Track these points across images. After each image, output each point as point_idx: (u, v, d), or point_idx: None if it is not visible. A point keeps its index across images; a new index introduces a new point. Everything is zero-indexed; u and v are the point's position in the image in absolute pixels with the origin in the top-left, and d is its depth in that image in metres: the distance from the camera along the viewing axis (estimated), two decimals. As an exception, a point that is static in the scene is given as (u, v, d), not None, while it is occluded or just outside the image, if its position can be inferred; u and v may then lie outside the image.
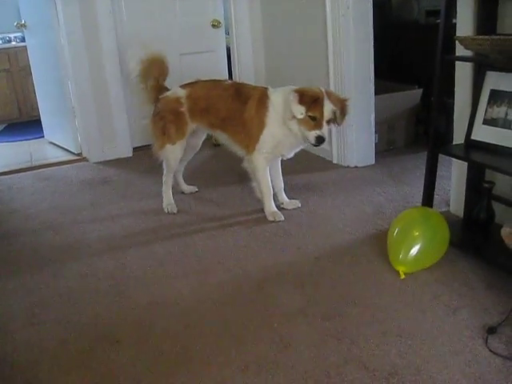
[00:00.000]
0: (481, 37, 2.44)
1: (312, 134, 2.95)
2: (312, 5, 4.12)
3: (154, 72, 3.38)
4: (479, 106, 2.65)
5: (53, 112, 5.34)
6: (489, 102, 2.61)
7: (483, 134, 2.62)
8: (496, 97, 2.57)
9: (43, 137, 5.79)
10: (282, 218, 3.23)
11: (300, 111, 2.94)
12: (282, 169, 3.43)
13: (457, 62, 2.90)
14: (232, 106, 3.21)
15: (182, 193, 3.78)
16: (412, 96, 4.53)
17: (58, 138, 5.45)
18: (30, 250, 3.10)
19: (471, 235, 2.83)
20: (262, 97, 3.15)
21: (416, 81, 4.60)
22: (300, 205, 3.43)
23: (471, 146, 2.68)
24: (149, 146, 3.60)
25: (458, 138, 2.91)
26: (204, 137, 3.60)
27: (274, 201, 3.32)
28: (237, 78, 5.20)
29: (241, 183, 3.80)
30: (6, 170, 4.74)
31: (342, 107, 3.00)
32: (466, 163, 2.88)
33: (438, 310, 2.25)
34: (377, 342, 2.06)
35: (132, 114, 4.82)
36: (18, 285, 2.70)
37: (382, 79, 4.35)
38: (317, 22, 4.09)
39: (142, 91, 3.44)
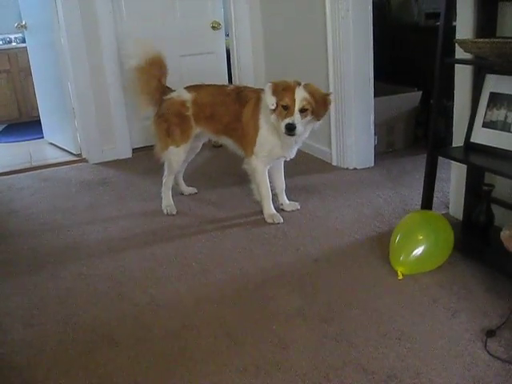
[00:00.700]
0: (480, 40, 2.44)
1: (283, 123, 2.92)
2: (312, 7, 4.13)
3: (156, 73, 3.36)
4: (479, 109, 2.65)
5: (52, 113, 5.35)
6: (488, 105, 2.61)
7: (483, 136, 2.62)
8: (495, 100, 2.58)
9: (43, 137, 5.79)
10: (281, 220, 3.23)
11: (271, 102, 2.94)
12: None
13: (456, 65, 2.90)
14: (233, 110, 3.22)
15: (182, 194, 3.78)
16: (411, 98, 4.53)
17: (57, 139, 5.45)
18: (29, 250, 3.10)
19: (470, 238, 2.83)
20: (258, 100, 3.15)
21: (415, 83, 4.60)
22: (299, 207, 3.43)
23: (471, 148, 2.68)
24: (148, 147, 3.61)
25: (458, 140, 2.91)
26: (204, 139, 3.60)
27: (274, 202, 3.33)
28: (236, 80, 5.20)
29: (240, 185, 3.80)
30: (5, 170, 4.74)
31: (322, 101, 2.96)
32: (465, 166, 2.88)
33: (438, 312, 2.25)
34: (376, 344, 2.06)
35: (131, 115, 4.82)
36: (16, 285, 2.70)
37: (382, 81, 4.35)
38: (317, 25, 4.09)
39: (140, 94, 3.39)
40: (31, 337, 2.26)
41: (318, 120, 3.02)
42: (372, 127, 4.10)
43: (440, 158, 2.83)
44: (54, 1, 4.49)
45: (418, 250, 2.51)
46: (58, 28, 4.56)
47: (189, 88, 3.38)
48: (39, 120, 5.77)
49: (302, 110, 2.91)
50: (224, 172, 4.25)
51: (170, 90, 3.41)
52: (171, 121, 3.32)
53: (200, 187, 3.88)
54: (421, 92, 4.52)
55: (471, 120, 2.69)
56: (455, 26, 2.82)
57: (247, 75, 5.15)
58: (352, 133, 4.03)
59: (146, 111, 3.43)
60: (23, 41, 6.18)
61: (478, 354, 1.98)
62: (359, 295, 2.42)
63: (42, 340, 2.23)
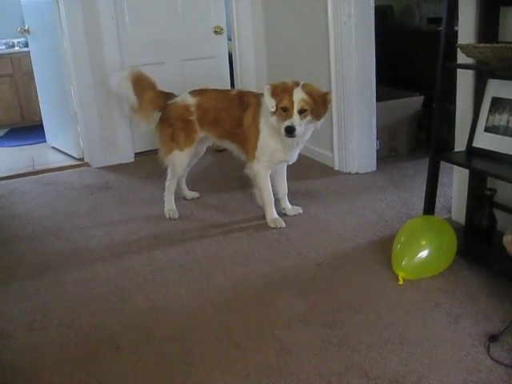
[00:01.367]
0: (482, 45, 2.45)
1: (283, 125, 2.91)
2: (314, 12, 4.14)
3: (145, 84, 3.39)
4: (481, 114, 2.66)
5: (55, 117, 5.36)
6: (490, 110, 2.61)
7: (485, 141, 2.62)
8: (497, 104, 2.58)
9: (45, 142, 5.80)
10: (284, 225, 3.23)
11: (271, 104, 2.95)
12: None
13: (458, 70, 2.90)
14: (235, 115, 3.23)
15: (184, 198, 3.79)
16: (413, 103, 4.53)
17: (60, 143, 5.46)
18: (31, 255, 3.10)
19: (473, 243, 2.82)
20: (258, 104, 3.16)
21: (417, 88, 4.60)
22: (302, 211, 3.43)
23: (473, 153, 2.68)
24: (151, 151, 3.61)
25: (460, 145, 2.91)
26: (208, 143, 3.60)
27: (276, 206, 3.33)
28: (239, 84, 5.21)
29: (242, 189, 3.80)
30: (8, 174, 4.74)
31: (322, 100, 2.94)
32: (467, 170, 2.88)
33: (440, 317, 2.25)
34: (378, 349, 2.06)
35: (130, 113, 4.80)
36: (19, 290, 2.70)
37: (384, 86, 4.35)
38: (319, 29, 4.10)
39: (142, 108, 3.41)
40: (34, 341, 2.26)
41: (319, 120, 3.00)
42: (374, 132, 4.11)
43: (442, 163, 2.83)
44: (56, 5, 4.51)
45: (421, 255, 2.51)
46: (61, 32, 4.58)
47: (193, 92, 3.39)
48: (42, 124, 5.78)
49: (301, 111, 2.90)
50: (226, 176, 4.25)
51: (168, 95, 3.42)
52: (175, 125, 3.33)
53: (202, 191, 3.88)
54: (423, 96, 4.52)
55: (473, 125, 2.69)
56: (457, 31, 2.82)
57: (249, 79, 5.16)
58: (354, 137, 4.03)
59: (149, 124, 3.44)
60: (26, 45, 6.19)
61: (480, 359, 1.97)
62: (362, 300, 2.42)
63: (44, 344, 2.23)
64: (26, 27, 5.27)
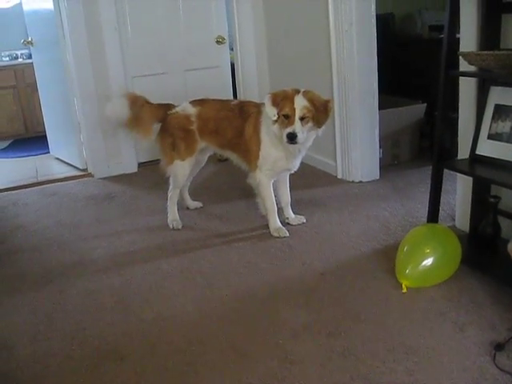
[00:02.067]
0: (484, 52, 2.45)
1: (284, 132, 2.92)
2: (315, 21, 4.15)
3: (139, 102, 3.39)
4: (484, 121, 2.65)
5: (58, 128, 5.38)
6: (493, 117, 2.61)
7: (488, 148, 2.62)
8: (500, 112, 2.58)
9: (49, 152, 5.82)
10: (287, 234, 3.23)
11: (273, 112, 2.95)
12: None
13: (461, 77, 2.90)
14: (236, 125, 3.24)
15: (187, 208, 3.78)
16: (416, 111, 4.53)
17: (63, 154, 5.47)
18: (35, 265, 3.10)
19: (477, 250, 2.81)
20: (258, 114, 3.16)
21: (420, 95, 4.60)
22: (305, 220, 3.42)
23: (476, 160, 2.68)
24: (154, 161, 3.61)
25: (463, 152, 2.91)
26: (209, 153, 3.61)
27: (280, 216, 3.32)
28: (241, 93, 5.22)
29: (245, 199, 3.79)
30: (11, 185, 4.75)
31: (323, 107, 2.94)
32: (471, 178, 2.87)
33: (445, 326, 2.24)
34: (383, 359, 2.05)
35: (136, 133, 4.82)
36: (22, 301, 2.70)
37: (386, 94, 4.36)
38: (320, 38, 4.11)
39: (136, 128, 3.42)
40: (38, 352, 2.25)
41: (320, 127, 3.00)
42: (377, 140, 4.10)
43: (446, 170, 2.83)
44: (59, 17, 4.54)
45: (425, 263, 2.50)
46: (64, 44, 4.61)
47: (193, 102, 3.40)
48: (45, 135, 5.79)
49: (303, 118, 2.90)
50: (229, 186, 4.25)
51: (166, 106, 3.43)
52: (176, 135, 3.34)
53: (205, 201, 3.88)
54: (425, 104, 4.52)
55: (476, 132, 2.69)
56: (459, 39, 2.83)
57: (252, 89, 5.17)
58: (357, 146, 4.03)
59: (150, 138, 3.44)
60: (29, 57, 6.22)
61: (486, 368, 1.96)
62: (366, 309, 2.40)
63: (48, 355, 2.23)
64: (30, 39, 5.30)
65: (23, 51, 6.70)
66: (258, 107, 3.19)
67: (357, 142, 4.02)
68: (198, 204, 3.84)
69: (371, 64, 3.92)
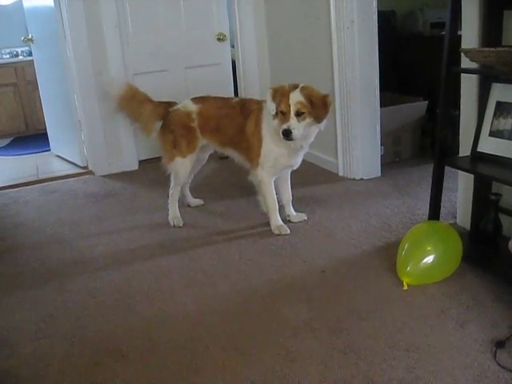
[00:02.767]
0: (486, 49, 2.44)
1: (280, 129, 2.91)
2: (317, 18, 4.14)
3: (141, 98, 3.42)
4: (485, 118, 2.65)
5: (59, 125, 5.37)
6: (495, 114, 2.60)
7: (489, 146, 2.61)
8: (502, 109, 2.57)
9: (49, 150, 5.82)
10: (288, 232, 3.22)
11: (272, 107, 2.97)
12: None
13: (462, 74, 2.90)
14: (237, 123, 3.24)
15: (188, 206, 3.78)
16: (417, 108, 4.52)
17: (64, 152, 5.47)
18: (35, 263, 3.10)
19: (478, 248, 2.81)
20: (259, 111, 3.16)
21: (421, 93, 4.60)
22: (306, 218, 3.42)
23: (477, 158, 2.67)
24: (155, 159, 3.61)
25: (464, 150, 2.90)
26: (210, 150, 3.61)
27: (281, 213, 3.32)
28: (242, 90, 5.22)
29: (247, 196, 3.79)
30: (12, 183, 4.75)
31: (321, 102, 2.92)
32: (472, 175, 2.87)
33: (446, 323, 2.23)
34: (384, 356, 2.05)
35: (138, 127, 4.83)
36: (23, 299, 2.70)
37: (388, 91, 4.35)
38: (322, 35, 4.10)
39: (139, 123, 3.48)
40: (38, 350, 2.25)
41: (319, 122, 2.98)
42: (378, 137, 4.10)
43: (447, 167, 2.82)
44: (60, 15, 4.53)
45: (426, 261, 2.50)
46: (65, 41, 4.60)
47: (195, 99, 3.40)
48: (46, 133, 5.79)
49: (299, 114, 2.89)
50: (230, 183, 4.25)
51: (167, 103, 3.43)
52: (177, 132, 3.33)
53: (206, 199, 3.88)
54: (427, 101, 4.51)
55: (478, 129, 2.68)
56: (461, 36, 2.82)
57: (253, 86, 5.16)
58: (358, 143, 4.03)
59: (152, 135, 3.47)
60: (30, 54, 6.22)
61: (487, 365, 1.96)
62: (367, 307, 2.40)
63: (49, 353, 2.23)
64: (30, 36, 5.29)
65: (23, 48, 6.70)
66: (259, 104, 3.19)
67: (358, 139, 4.01)
68: (199, 201, 3.83)
69: (372, 61, 3.91)
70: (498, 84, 2.60)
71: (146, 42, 4.80)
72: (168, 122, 3.37)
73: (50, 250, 3.27)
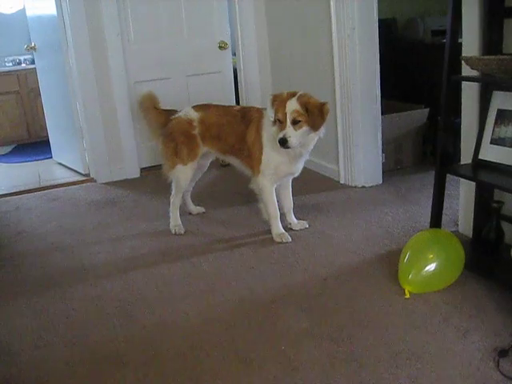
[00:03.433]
0: (487, 57, 2.45)
1: (277, 137, 2.92)
2: (318, 26, 4.15)
3: (149, 103, 3.47)
4: (486, 126, 2.65)
5: (61, 133, 5.39)
6: (496, 122, 2.60)
7: (491, 153, 2.61)
8: (503, 116, 2.57)
9: (51, 157, 5.83)
10: (289, 240, 3.22)
11: (271, 114, 2.99)
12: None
13: (463, 82, 2.90)
14: (239, 131, 3.25)
15: (190, 213, 3.78)
16: (419, 115, 4.53)
17: (66, 159, 5.48)
18: (37, 271, 3.10)
19: (480, 256, 2.80)
20: (260, 118, 3.17)
21: (423, 100, 4.60)
22: (308, 225, 3.41)
23: (479, 165, 2.67)
24: (156, 166, 3.62)
25: (466, 157, 2.90)
26: (212, 158, 3.61)
27: (282, 221, 3.31)
28: (243, 98, 5.22)
29: (248, 204, 3.79)
30: (14, 190, 4.76)
31: (318, 111, 2.92)
32: (474, 183, 2.86)
33: (448, 332, 2.22)
34: (386, 365, 2.04)
35: (139, 135, 4.84)
36: (24, 306, 2.69)
37: (389, 99, 4.35)
38: (323, 43, 4.11)
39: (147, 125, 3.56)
40: (39, 358, 2.25)
41: (316, 130, 2.98)
42: (380, 145, 4.10)
43: (449, 175, 2.82)
44: (62, 23, 4.56)
45: (428, 269, 2.49)
46: (67, 49, 4.62)
47: (196, 107, 3.41)
48: (48, 140, 5.81)
49: (295, 122, 2.90)
50: (232, 191, 4.25)
51: (169, 111, 3.45)
52: (178, 139, 3.34)
53: (208, 206, 3.87)
54: (428, 109, 4.52)
55: (479, 137, 2.68)
56: (461, 43, 2.82)
57: (254, 94, 5.17)
58: (360, 151, 4.03)
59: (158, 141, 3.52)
60: (32, 62, 6.25)
61: (490, 375, 1.95)
62: (369, 315, 2.39)
63: (50, 361, 2.22)
64: (33, 44, 5.31)
65: (26, 56, 6.73)
66: (260, 112, 3.20)
67: (359, 146, 4.01)
68: (200, 209, 3.83)
69: (374, 69, 3.92)
70: (499, 92, 2.60)
71: (147, 50, 4.82)
72: (169, 130, 3.38)
73: (51, 257, 3.27)
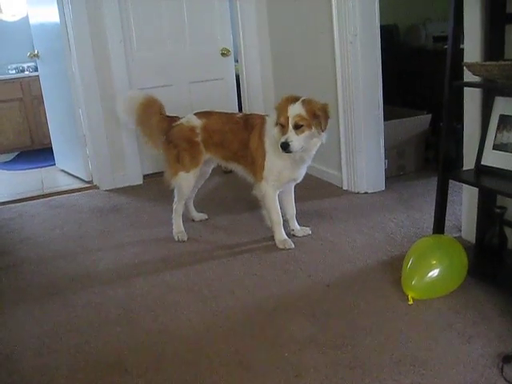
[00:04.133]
0: (489, 63, 2.45)
1: (279, 142, 2.93)
2: (320, 32, 4.16)
3: (155, 108, 3.44)
4: (489, 132, 2.65)
5: (64, 140, 5.40)
6: (498, 128, 2.60)
7: (493, 159, 2.61)
8: (505, 122, 2.57)
9: (54, 165, 5.85)
10: (292, 246, 3.22)
11: (275, 119, 3.01)
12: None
13: (465, 88, 2.90)
14: (241, 138, 3.25)
15: (193, 220, 3.78)
16: (421, 121, 4.53)
17: (69, 166, 5.49)
18: (40, 278, 3.10)
19: (484, 261, 2.80)
20: (262, 125, 3.18)
21: (425, 106, 4.60)
22: (311, 232, 3.41)
23: (482, 171, 2.67)
24: (159, 173, 3.62)
25: (469, 163, 2.90)
26: (214, 164, 3.61)
27: (285, 228, 3.31)
28: (246, 105, 5.23)
29: (251, 210, 3.79)
30: (17, 197, 4.78)
31: (322, 113, 2.94)
32: (477, 188, 2.86)
33: (452, 338, 2.22)
34: (390, 371, 2.03)
35: (142, 142, 4.84)
36: (28, 314, 2.69)
37: (391, 105, 4.36)
38: (325, 50, 4.12)
39: (146, 136, 3.51)
40: (42, 365, 2.25)
41: (323, 131, 2.99)
42: (382, 151, 4.10)
43: (451, 181, 2.82)
44: (65, 30, 4.57)
45: (431, 275, 2.49)
46: (70, 57, 4.64)
47: (198, 114, 3.41)
48: (51, 147, 5.82)
49: (297, 127, 2.91)
50: (234, 198, 4.25)
51: (172, 118, 3.44)
52: (181, 146, 3.34)
53: (210, 213, 3.88)
54: (430, 115, 4.52)
55: (481, 143, 2.68)
56: (463, 49, 2.83)
57: (257, 101, 5.18)
58: (362, 157, 4.03)
59: (158, 148, 3.49)
60: (36, 69, 6.27)
61: (494, 381, 1.94)
62: (372, 321, 2.39)
63: (52, 368, 2.22)
64: (36, 52, 5.34)
65: (29, 64, 6.75)
66: (262, 119, 3.21)
67: (362, 152, 4.02)
68: (203, 216, 3.83)
69: (376, 75, 3.92)
70: (501, 97, 2.60)
71: (150, 57, 4.84)
72: (171, 137, 3.38)
73: (54, 264, 3.28)
